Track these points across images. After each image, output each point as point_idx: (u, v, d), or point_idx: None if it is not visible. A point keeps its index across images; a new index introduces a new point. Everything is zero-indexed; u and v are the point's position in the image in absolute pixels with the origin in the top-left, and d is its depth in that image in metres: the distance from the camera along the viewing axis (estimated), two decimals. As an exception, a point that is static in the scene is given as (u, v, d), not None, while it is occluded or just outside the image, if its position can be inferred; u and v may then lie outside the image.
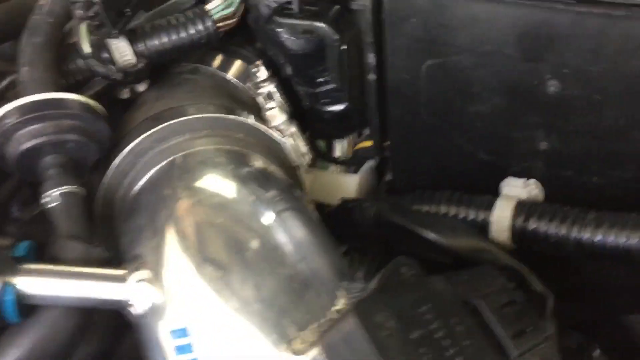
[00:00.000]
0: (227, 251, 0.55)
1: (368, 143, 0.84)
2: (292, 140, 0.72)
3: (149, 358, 0.54)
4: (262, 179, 0.61)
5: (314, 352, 0.45)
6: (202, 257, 0.55)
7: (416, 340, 0.45)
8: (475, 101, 0.70)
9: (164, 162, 0.63)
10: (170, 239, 0.56)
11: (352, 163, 0.86)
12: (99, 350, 0.71)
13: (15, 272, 0.51)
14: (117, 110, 0.72)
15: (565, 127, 0.68)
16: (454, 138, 0.74)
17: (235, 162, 0.63)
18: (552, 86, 0.65)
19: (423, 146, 0.77)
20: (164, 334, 0.52)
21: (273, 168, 0.65)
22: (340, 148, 0.85)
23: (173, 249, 0.56)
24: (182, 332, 0.50)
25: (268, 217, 0.57)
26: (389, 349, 0.43)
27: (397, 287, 0.49)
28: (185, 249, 0.56)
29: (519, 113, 0.69)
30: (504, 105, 0.69)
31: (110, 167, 0.64)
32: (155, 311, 0.53)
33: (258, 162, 0.64)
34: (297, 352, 0.47)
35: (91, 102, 0.62)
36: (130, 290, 0.53)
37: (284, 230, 0.56)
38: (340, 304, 0.51)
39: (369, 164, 0.85)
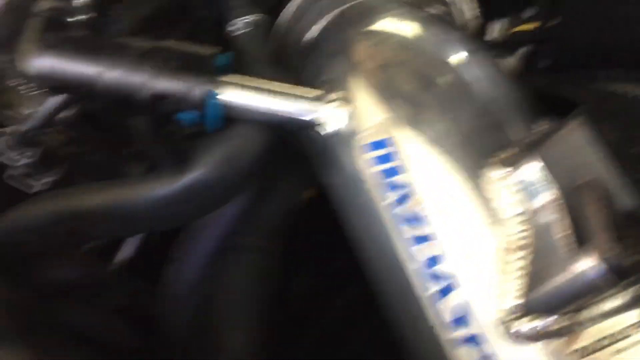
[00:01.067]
0: (417, 88, 0.54)
1: (529, 25, 0.81)
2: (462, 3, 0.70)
3: (339, 179, 0.54)
4: (443, 22, 0.60)
5: (527, 161, 0.44)
6: (392, 94, 0.54)
7: (637, 155, 0.43)
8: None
9: (341, 7, 0.63)
10: (357, 75, 0.56)
11: (507, 47, 0.83)
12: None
13: (218, 80, 0.52)
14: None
15: None
16: (633, 10, 0.70)
17: (415, 6, 0.62)
18: None
19: (596, 21, 0.73)
20: (359, 150, 0.52)
21: (449, 18, 0.64)
22: (497, 29, 0.82)
23: (360, 84, 0.56)
24: (380, 144, 0.50)
25: (456, 56, 0.55)
26: (609, 157, 0.42)
27: (610, 110, 0.47)
28: (373, 85, 0.55)
29: None
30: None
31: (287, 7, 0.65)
32: (348, 131, 0.53)
33: (435, 10, 0.63)
34: (505, 165, 0.46)
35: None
36: (324, 109, 0.53)
37: (473, 68, 0.55)
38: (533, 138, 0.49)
39: (526, 49, 0.82)
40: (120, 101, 0.51)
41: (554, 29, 0.78)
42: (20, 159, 0.66)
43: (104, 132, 0.84)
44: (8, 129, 0.67)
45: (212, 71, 0.52)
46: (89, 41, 0.53)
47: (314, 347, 1.08)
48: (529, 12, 0.81)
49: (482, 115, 0.52)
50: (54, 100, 0.62)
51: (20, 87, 0.73)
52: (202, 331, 0.84)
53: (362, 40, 0.60)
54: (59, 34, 0.53)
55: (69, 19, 0.56)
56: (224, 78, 0.53)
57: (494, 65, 0.56)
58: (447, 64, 0.56)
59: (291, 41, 0.65)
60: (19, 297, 0.63)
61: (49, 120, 0.64)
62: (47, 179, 0.74)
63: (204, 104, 0.51)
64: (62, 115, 0.68)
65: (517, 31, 0.83)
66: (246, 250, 0.86)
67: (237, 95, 0.53)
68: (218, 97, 0.52)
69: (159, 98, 0.51)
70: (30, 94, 0.73)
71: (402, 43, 0.59)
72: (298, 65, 0.63)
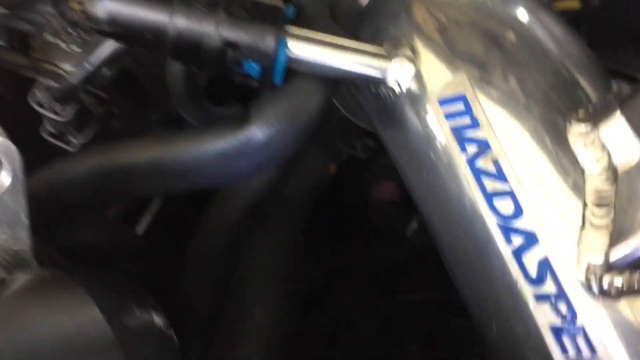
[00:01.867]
0: (486, 45, 0.53)
1: (572, 3, 0.80)
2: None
3: (409, 136, 0.53)
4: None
5: (611, 119, 0.44)
6: (460, 52, 0.53)
7: None
8: None
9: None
10: (422, 35, 0.55)
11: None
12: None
13: (289, 32, 0.51)
14: None
15: None
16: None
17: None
18: None
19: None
20: (433, 106, 0.51)
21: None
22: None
23: (426, 43, 0.55)
24: (455, 99, 0.49)
25: (522, 13, 0.54)
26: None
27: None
28: (439, 44, 0.54)
29: None
30: None
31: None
32: (419, 88, 0.52)
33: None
34: (587, 121, 0.45)
35: None
36: (392, 66, 0.53)
37: (541, 26, 0.54)
38: (614, 96, 0.49)
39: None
40: (189, 49, 0.50)
41: (592, 10, 0.78)
42: (64, 113, 0.65)
43: (135, 96, 0.83)
44: (53, 82, 0.65)
45: (282, 22, 0.51)
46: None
47: (324, 330, 1.07)
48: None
49: (557, 72, 0.51)
50: (106, 51, 0.60)
51: (60, 43, 0.71)
52: (225, 304, 0.83)
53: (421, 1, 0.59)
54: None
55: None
56: (294, 30, 0.52)
57: (563, 23, 0.55)
58: (515, 21, 0.54)
59: (348, 1, 0.64)
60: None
61: (97, 73, 0.63)
62: (81, 140, 0.72)
63: (275, 55, 0.50)
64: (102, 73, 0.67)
65: (559, 9, 0.82)
66: (270, 225, 0.85)
67: (306, 48, 0.51)
68: (289, 48, 0.51)
69: (230, 46, 0.49)
70: (70, 50, 0.71)
71: (466, 1, 0.57)
72: (355, 24, 0.62)
